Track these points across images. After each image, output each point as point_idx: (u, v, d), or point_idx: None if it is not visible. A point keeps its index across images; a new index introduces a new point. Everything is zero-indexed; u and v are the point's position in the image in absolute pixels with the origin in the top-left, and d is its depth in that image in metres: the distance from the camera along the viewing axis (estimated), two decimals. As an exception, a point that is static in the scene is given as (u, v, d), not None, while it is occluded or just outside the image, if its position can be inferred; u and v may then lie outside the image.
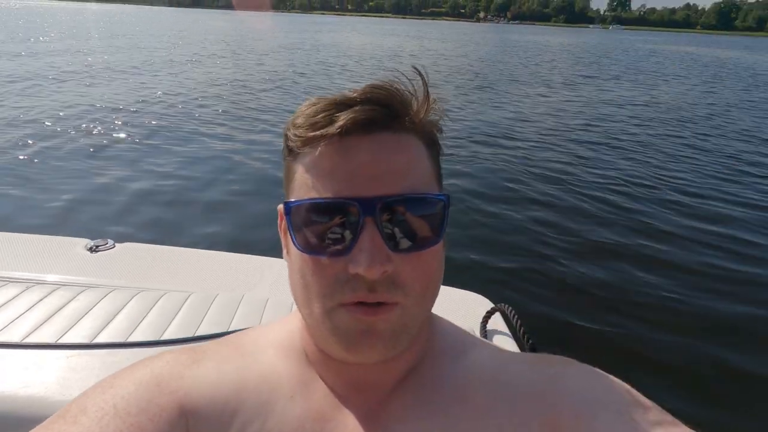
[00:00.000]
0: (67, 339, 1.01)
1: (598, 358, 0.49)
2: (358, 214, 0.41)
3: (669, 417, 0.43)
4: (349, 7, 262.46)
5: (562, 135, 7.45)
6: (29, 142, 5.57)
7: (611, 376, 0.47)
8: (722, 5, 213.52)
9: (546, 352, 0.57)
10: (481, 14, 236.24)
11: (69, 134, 6.01)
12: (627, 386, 0.46)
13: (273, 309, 1.17)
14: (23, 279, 1.26)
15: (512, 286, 3.12)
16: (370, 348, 0.42)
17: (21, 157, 5.05)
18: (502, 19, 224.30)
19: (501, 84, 13.31)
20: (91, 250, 1.44)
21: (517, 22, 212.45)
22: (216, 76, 11.80)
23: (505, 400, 0.46)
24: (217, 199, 4.29)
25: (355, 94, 0.43)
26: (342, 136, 0.42)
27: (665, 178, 5.51)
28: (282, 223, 0.49)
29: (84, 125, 6.46)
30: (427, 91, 0.46)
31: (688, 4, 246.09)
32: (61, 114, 6.98)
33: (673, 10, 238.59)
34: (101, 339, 1.02)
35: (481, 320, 1.19)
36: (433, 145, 0.48)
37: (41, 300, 1.13)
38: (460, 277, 2.95)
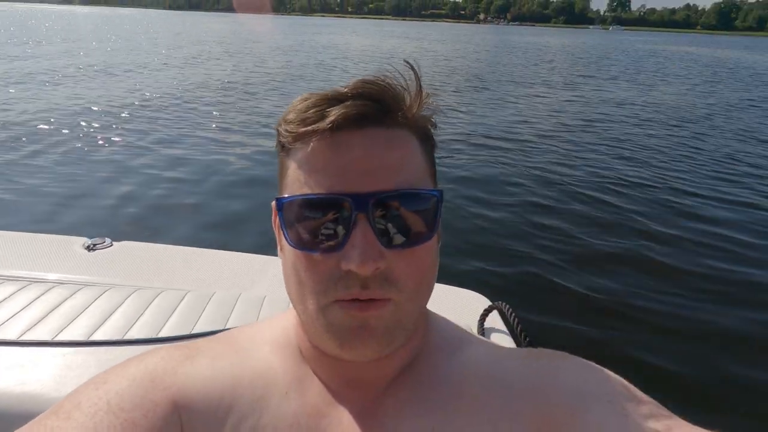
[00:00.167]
0: (64, 336, 1.01)
1: (594, 356, 0.49)
2: (351, 209, 0.41)
3: (665, 411, 0.43)
4: (349, 10, 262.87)
5: (561, 136, 7.46)
6: (28, 141, 5.58)
7: (605, 369, 0.47)
8: (722, 5, 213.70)
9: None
10: (481, 16, 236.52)
11: (68, 133, 6.03)
12: (621, 379, 0.46)
13: (270, 307, 1.17)
14: (20, 277, 1.26)
15: (509, 285, 3.12)
16: (363, 346, 0.42)
17: (19, 156, 5.06)
18: (502, 20, 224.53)
19: (501, 85, 13.33)
20: (88, 248, 1.44)
21: (517, 23, 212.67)
22: (216, 77, 11.82)
23: (500, 395, 0.46)
24: (216, 199, 4.30)
25: (346, 90, 0.43)
26: (333, 132, 0.42)
27: (664, 178, 5.50)
28: (275, 219, 0.49)
29: (82, 125, 6.48)
30: (420, 86, 0.46)
31: (688, 5, 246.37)
32: (59, 114, 7.00)
33: (673, 11, 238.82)
34: (98, 337, 1.02)
35: (478, 318, 1.19)
36: (426, 140, 0.48)
37: (38, 298, 1.14)
38: (457, 275, 2.96)
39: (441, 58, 21.76)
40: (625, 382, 0.46)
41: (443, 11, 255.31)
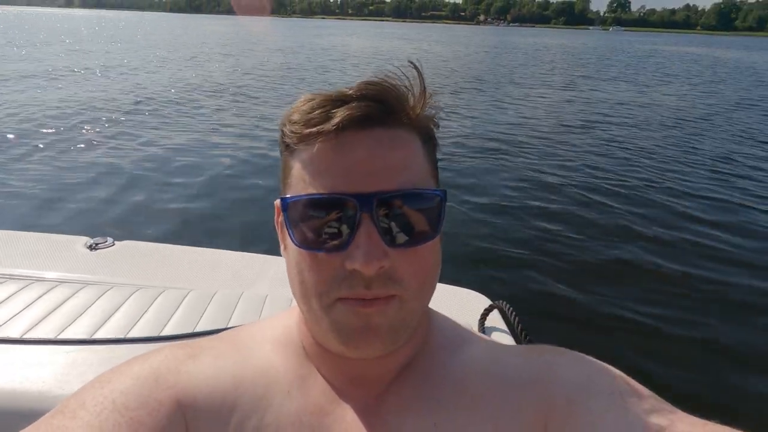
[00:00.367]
0: (67, 335, 1.02)
1: (593, 356, 0.49)
2: (355, 209, 0.41)
3: (667, 405, 0.43)
4: (350, 12, 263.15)
5: (561, 136, 7.45)
6: (30, 140, 5.59)
7: (604, 363, 0.47)
8: (722, 5, 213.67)
9: None
10: (481, 17, 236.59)
11: (70, 133, 6.04)
12: (620, 373, 0.46)
13: (272, 306, 1.17)
14: (23, 276, 1.26)
15: (510, 284, 3.13)
16: (368, 344, 0.43)
17: (22, 155, 5.07)
18: (502, 21, 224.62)
19: (500, 86, 13.33)
20: (90, 248, 1.44)
21: (517, 24, 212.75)
22: (216, 77, 11.83)
23: (501, 391, 0.47)
24: (216, 199, 4.31)
25: (350, 91, 0.43)
26: (338, 133, 0.42)
27: (665, 180, 5.49)
28: (279, 219, 0.49)
29: (85, 124, 6.50)
30: (424, 86, 0.46)
31: (687, 5, 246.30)
32: (62, 113, 7.01)
33: (672, 11, 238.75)
34: (100, 335, 1.03)
35: (479, 317, 1.20)
36: (429, 140, 0.48)
37: (41, 297, 1.14)
38: (458, 275, 2.97)
39: (441, 60, 21.77)
40: (624, 375, 0.46)
41: (443, 13, 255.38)
